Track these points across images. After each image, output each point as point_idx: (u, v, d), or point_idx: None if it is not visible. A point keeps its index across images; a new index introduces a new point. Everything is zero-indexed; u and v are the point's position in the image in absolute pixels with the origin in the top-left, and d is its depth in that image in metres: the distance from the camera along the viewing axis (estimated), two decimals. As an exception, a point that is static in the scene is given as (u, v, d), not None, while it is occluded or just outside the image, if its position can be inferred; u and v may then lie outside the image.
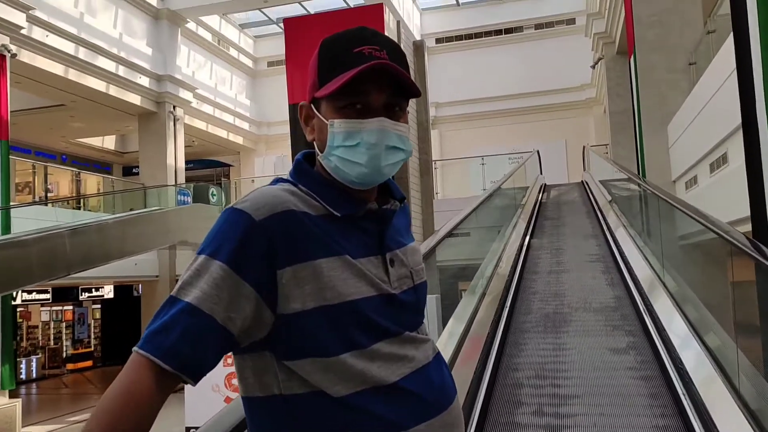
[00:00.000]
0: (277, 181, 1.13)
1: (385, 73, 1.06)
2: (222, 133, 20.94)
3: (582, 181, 14.11)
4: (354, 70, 1.04)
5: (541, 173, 15.23)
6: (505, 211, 8.51)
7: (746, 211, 5.97)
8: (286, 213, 1.03)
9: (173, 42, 17.75)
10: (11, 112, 15.18)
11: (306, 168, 1.14)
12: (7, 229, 11.71)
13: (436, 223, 14.72)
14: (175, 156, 17.54)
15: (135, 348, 0.96)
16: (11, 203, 12.54)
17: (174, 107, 17.52)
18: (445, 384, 1.14)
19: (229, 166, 24.62)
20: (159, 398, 0.94)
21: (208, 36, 20.38)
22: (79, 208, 17.15)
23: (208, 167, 24.47)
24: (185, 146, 20.17)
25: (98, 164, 22.70)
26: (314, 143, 1.14)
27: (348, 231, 1.09)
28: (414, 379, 1.07)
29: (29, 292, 18.59)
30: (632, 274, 5.39)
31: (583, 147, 17.44)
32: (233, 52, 22.04)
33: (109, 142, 21.85)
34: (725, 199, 6.96)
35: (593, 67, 17.34)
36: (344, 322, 1.02)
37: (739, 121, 6.02)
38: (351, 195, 1.11)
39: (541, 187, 12.87)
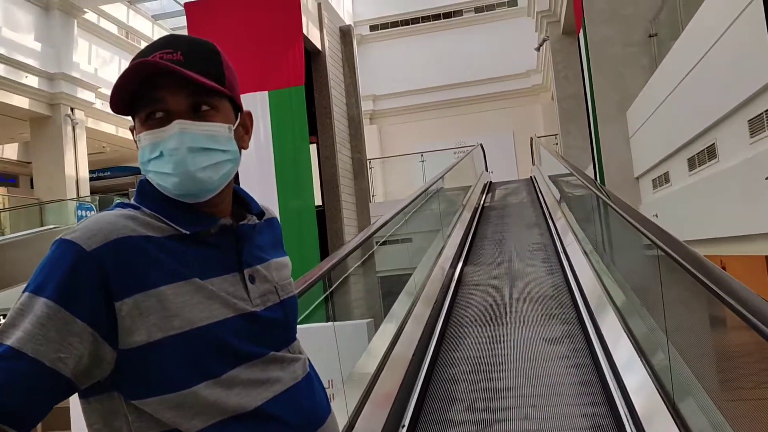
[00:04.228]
0: (118, 205, 1.06)
1: (175, 75, 1.01)
2: (136, 136, 18.81)
3: (531, 178, 12.62)
4: (120, 78, 1.00)
5: (487, 169, 13.72)
6: (432, 221, 6.90)
7: (751, 227, 4.44)
8: (121, 240, 0.97)
9: (68, 35, 15.64)
10: None
11: (149, 189, 1.07)
12: None
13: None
14: (76, 165, 15.47)
15: None
16: None
17: (72, 110, 15.44)
18: (315, 404, 1.10)
19: (153, 172, 22.45)
20: None
21: (113, 29, 18.21)
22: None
23: (130, 174, 22.33)
24: (96, 153, 18.16)
25: (1, 176, 20.35)
26: None
27: (200, 250, 1.04)
28: (279, 402, 1.03)
29: None
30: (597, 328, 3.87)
31: (531, 138, 16.05)
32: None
33: (11, 152, 19.53)
34: (714, 208, 5.38)
35: (538, 49, 15.99)
36: (197, 350, 0.96)
37: (738, 100, 4.48)
38: (198, 211, 1.06)
39: (484, 186, 11.30)
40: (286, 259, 1.21)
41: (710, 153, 5.32)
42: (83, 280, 0.92)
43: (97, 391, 0.97)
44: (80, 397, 0.99)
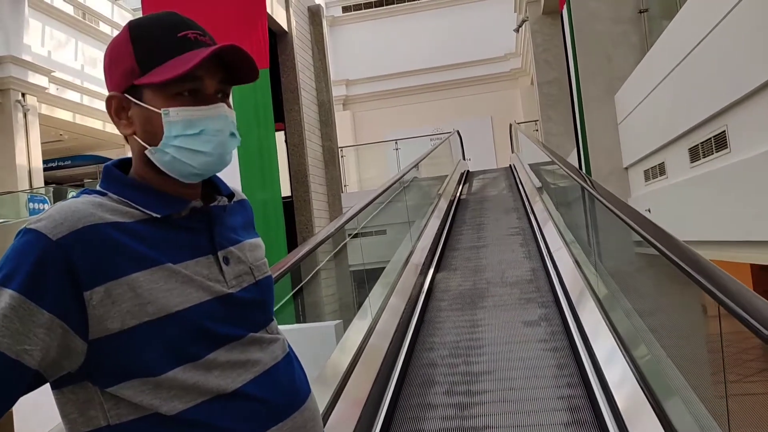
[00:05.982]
0: (84, 192, 1.04)
1: (216, 58, 1.01)
2: (96, 123, 17.82)
3: (510, 166, 11.97)
4: (200, 56, 0.98)
5: (464, 157, 13.06)
6: (402, 216, 6.23)
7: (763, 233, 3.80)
8: (88, 228, 0.94)
9: (18, 16, 14.65)
10: None
11: (116, 174, 1.06)
12: None
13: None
14: (29, 155, 14.55)
15: None
16: None
17: (23, 95, 14.48)
18: (295, 384, 1.10)
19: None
20: None
21: (68, 9, 17.16)
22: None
23: (93, 162, 21.34)
24: (53, 141, 17.22)
25: (-46, 167, 19.30)
26: (131, 138, 1.05)
27: (172, 233, 1.03)
28: (259, 383, 1.03)
29: None
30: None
31: (510, 125, 15.42)
32: (105, 28, 18.79)
33: (-38, 141, 18.48)
34: (722, 206, 4.72)
35: (517, 30, 15.31)
36: (174, 336, 0.96)
37: (761, 80, 3.82)
38: (169, 195, 1.05)
39: (461, 176, 10.64)
40: (259, 240, 1.19)
41: (719, 142, 4.66)
42: (50, 270, 0.90)
43: (69, 381, 0.94)
44: (52, 387, 0.97)
